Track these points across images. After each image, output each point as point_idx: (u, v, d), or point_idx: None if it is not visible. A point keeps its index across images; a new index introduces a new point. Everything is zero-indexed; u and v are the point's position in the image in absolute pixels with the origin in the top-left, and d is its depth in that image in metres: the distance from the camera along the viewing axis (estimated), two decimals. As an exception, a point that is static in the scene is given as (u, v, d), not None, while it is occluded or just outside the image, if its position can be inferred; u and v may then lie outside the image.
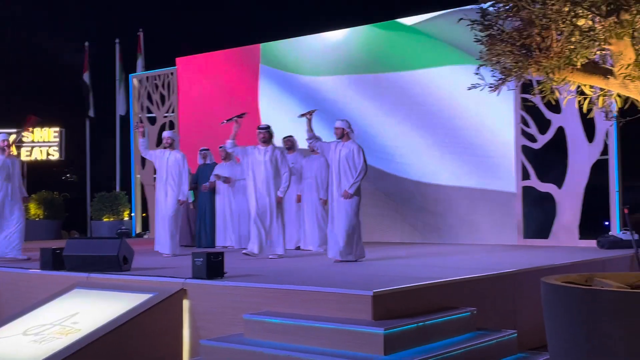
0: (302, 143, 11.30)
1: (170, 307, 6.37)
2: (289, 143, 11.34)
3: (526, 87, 9.79)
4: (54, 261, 7.59)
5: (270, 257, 9.16)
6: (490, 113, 11.49)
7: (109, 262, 7.28)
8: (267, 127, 9.55)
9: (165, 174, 9.86)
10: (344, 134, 8.66)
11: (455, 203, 11.94)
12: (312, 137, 8.98)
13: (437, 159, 12.16)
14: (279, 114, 13.79)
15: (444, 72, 12.05)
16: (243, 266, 7.91)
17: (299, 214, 10.99)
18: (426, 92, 12.31)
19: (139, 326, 6.15)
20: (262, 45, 14.49)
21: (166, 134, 10.31)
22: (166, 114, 15.88)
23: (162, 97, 15.96)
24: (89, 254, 7.39)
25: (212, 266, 6.52)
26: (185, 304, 6.47)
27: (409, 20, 12.68)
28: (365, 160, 8.53)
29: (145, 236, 15.30)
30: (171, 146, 10.04)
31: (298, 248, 10.90)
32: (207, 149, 12.28)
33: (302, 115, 9.14)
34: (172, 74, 15.83)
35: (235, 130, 9.38)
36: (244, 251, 9.33)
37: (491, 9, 3.90)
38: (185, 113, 15.50)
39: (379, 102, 12.82)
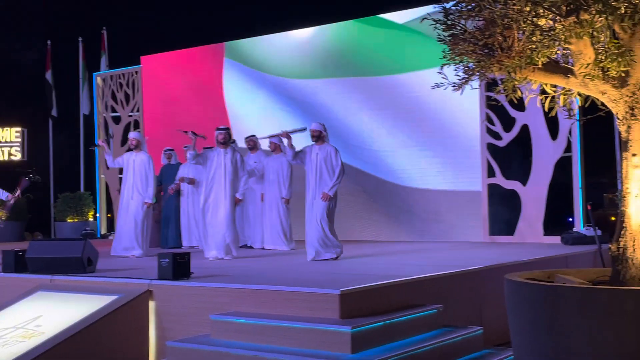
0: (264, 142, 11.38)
1: (136, 308, 6.30)
2: (251, 143, 11.40)
3: (491, 86, 9.90)
4: (17, 263, 7.46)
5: (226, 258, 8.99)
6: (457, 111, 11.58)
7: (73, 264, 7.17)
8: (227, 128, 9.41)
9: (132, 177, 9.75)
10: (320, 137, 8.72)
11: (423, 201, 12.02)
12: (293, 154, 8.86)
13: (405, 158, 12.24)
14: (245, 111, 13.76)
15: (412, 75, 12.11)
16: (209, 266, 7.88)
17: (261, 212, 10.99)
18: (396, 92, 12.37)
19: (104, 329, 6.08)
20: (226, 43, 14.44)
21: (132, 135, 10.20)
22: (131, 113, 15.73)
23: (127, 96, 15.81)
24: (53, 256, 7.27)
25: (178, 267, 6.46)
26: (152, 305, 6.41)
27: (378, 19, 12.73)
28: (342, 162, 8.64)
29: (111, 237, 15.10)
30: (137, 147, 9.91)
31: (262, 248, 10.88)
32: (172, 149, 12.18)
33: (273, 136, 9.35)
34: (136, 72, 15.68)
35: (194, 141, 9.32)
36: (207, 256, 9.11)
37: (454, 8, 3.92)
38: (151, 112, 15.36)
39: (348, 102, 12.85)
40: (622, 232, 3.78)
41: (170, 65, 15.18)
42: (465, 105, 11.31)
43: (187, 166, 11.49)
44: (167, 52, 15.34)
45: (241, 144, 12.08)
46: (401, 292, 6.04)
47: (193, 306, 6.16)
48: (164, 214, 11.70)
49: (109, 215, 16.08)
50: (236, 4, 21.38)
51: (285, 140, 9.01)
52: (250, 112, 13.91)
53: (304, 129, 9.32)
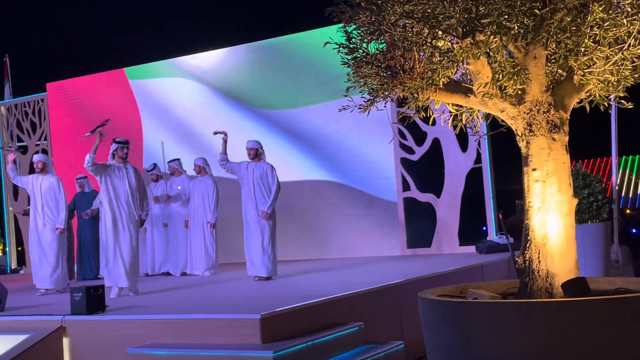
0: (187, 164, 11.22)
1: (48, 347, 6.07)
2: (171, 169, 11.18)
3: (402, 101, 10.09)
4: None
5: (130, 294, 7.98)
6: (370, 128, 11.74)
7: (-19, 304, 6.85)
8: (127, 142, 8.34)
9: (41, 202, 9.09)
10: (257, 154, 8.71)
11: (341, 218, 12.09)
12: (225, 158, 8.86)
13: (323, 175, 12.29)
14: (162, 133, 13.57)
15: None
16: (126, 298, 7.68)
17: (187, 237, 10.75)
18: (306, 119, 12.46)
19: (16, 370, 5.83)
20: (126, 69, 14.26)
21: (37, 157, 9.43)
22: (38, 142, 15.21)
23: (33, 125, 15.28)
24: (-42, 297, 6.93)
25: (92, 301, 6.27)
26: (65, 342, 6.19)
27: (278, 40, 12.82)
28: (278, 180, 8.71)
29: (22, 272, 14.55)
30: (43, 170, 9.22)
31: (184, 274, 10.67)
32: (85, 177, 11.80)
33: (217, 133, 8.97)
34: (42, 100, 15.20)
35: (95, 145, 8.09)
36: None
37: (355, 32, 3.99)
38: (59, 140, 14.94)
39: (261, 126, 12.83)
40: (527, 245, 3.90)
41: (78, 90, 14.81)
42: (379, 122, 11.47)
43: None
44: (73, 78, 14.97)
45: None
46: (322, 312, 6.04)
47: (110, 340, 5.99)
48: (79, 243, 11.31)
49: (19, 248, 15.46)
50: (135, 31, 21.31)
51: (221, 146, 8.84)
52: (166, 133, 13.71)
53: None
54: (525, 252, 3.87)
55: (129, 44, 20.86)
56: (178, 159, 11.36)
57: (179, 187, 10.95)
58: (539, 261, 3.83)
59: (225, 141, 8.86)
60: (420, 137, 11.53)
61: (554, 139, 3.88)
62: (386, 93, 3.92)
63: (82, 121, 14.63)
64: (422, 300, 3.85)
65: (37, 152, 14.96)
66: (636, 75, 3.85)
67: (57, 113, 14.99)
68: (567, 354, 3.33)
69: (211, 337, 5.57)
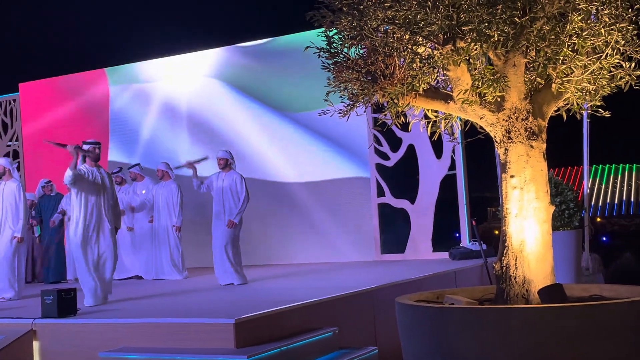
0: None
1: (19, 350, 5.97)
2: (132, 174, 11.15)
3: (379, 107, 10.12)
4: None
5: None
6: (348, 133, 11.76)
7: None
8: (98, 143, 7.91)
9: (0, 208, 8.74)
10: (227, 164, 8.84)
11: (315, 222, 12.08)
12: (198, 182, 9.03)
13: (296, 177, 12.28)
14: (136, 135, 13.46)
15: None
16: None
17: (154, 242, 10.68)
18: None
19: (-16, 374, 5.72)
20: (107, 69, 14.12)
21: None
22: (9, 143, 14.98)
23: (5, 125, 15.06)
24: None
25: (64, 304, 6.19)
26: (36, 345, 6.09)
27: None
28: (247, 190, 8.80)
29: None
30: (5, 175, 8.82)
31: (155, 279, 10.59)
32: (50, 181, 11.65)
33: (190, 164, 9.16)
34: (14, 100, 14.99)
35: (74, 160, 7.51)
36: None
37: (336, 37, 3.98)
38: (31, 141, 14.72)
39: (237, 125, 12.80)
40: (505, 251, 3.92)
41: (51, 92, 14.62)
42: (356, 127, 11.52)
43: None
44: (47, 78, 14.78)
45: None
46: (296, 316, 6.02)
47: (81, 344, 5.91)
48: (45, 246, 11.18)
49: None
50: (114, 30, 21.11)
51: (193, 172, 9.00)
52: (142, 136, 13.60)
53: (206, 158, 9.41)
54: (503, 258, 3.90)
55: (107, 44, 20.69)
56: (138, 164, 11.36)
57: (143, 192, 10.90)
58: (516, 267, 3.85)
59: (194, 169, 9.08)
60: (395, 143, 11.58)
61: (532, 146, 3.91)
62: (366, 98, 3.93)
63: (54, 122, 14.47)
64: (400, 306, 3.85)
65: (7, 154, 14.75)
66: (613, 85, 3.90)
67: (29, 114, 14.79)
68: (543, 359, 3.35)
69: (184, 341, 5.51)
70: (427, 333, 3.60)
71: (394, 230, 11.73)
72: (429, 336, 3.59)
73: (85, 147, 7.72)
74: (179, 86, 13.37)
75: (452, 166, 11.19)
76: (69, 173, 7.38)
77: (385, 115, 4.39)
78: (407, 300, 3.91)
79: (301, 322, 6.03)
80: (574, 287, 4.29)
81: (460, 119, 4.30)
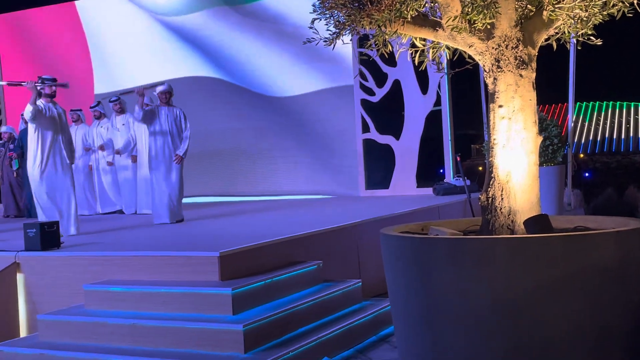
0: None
1: (2, 282, 5.97)
2: (117, 106, 10.93)
3: (363, 41, 9.96)
4: None
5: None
6: (330, 71, 11.61)
7: None
8: (55, 79, 7.85)
9: None
10: (168, 99, 8.73)
11: (300, 157, 12.04)
12: (144, 114, 8.68)
13: (285, 108, 12.16)
14: (117, 57, 13.20)
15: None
16: (80, 234, 7.57)
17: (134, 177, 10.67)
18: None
19: (-33, 307, 5.71)
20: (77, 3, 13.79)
21: None
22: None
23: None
24: None
25: (47, 237, 6.17)
26: (19, 278, 6.10)
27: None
28: (188, 125, 8.75)
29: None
30: None
31: (135, 213, 10.60)
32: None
33: (141, 91, 8.87)
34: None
35: (34, 96, 7.54)
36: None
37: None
38: (5, 74, 14.48)
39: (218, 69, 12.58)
40: (491, 182, 3.90)
41: (21, 25, 14.29)
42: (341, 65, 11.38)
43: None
44: (16, 11, 14.44)
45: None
46: (281, 250, 6.04)
47: (64, 277, 5.91)
48: (27, 181, 11.07)
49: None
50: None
51: (140, 99, 8.62)
52: (123, 57, 13.30)
53: (162, 83, 9.12)
54: (488, 189, 3.87)
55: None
56: (118, 98, 11.09)
57: (123, 124, 10.78)
58: (502, 198, 3.83)
59: (143, 96, 8.67)
60: (381, 78, 11.46)
61: (521, 75, 3.84)
62: (353, 25, 3.83)
63: (28, 55, 14.19)
64: (384, 237, 3.83)
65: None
66: (605, 13, 3.82)
67: (5, 46, 14.50)
68: (527, 290, 3.36)
69: (169, 274, 5.52)
70: (410, 263, 3.60)
71: (378, 166, 11.72)
72: (412, 266, 3.59)
73: (41, 83, 7.65)
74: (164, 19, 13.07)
75: (438, 102, 11.12)
76: (29, 108, 7.42)
77: (370, 47, 4.29)
78: (391, 231, 3.90)
79: (285, 256, 6.05)
80: (559, 219, 4.29)
81: (449, 48, 4.21)
